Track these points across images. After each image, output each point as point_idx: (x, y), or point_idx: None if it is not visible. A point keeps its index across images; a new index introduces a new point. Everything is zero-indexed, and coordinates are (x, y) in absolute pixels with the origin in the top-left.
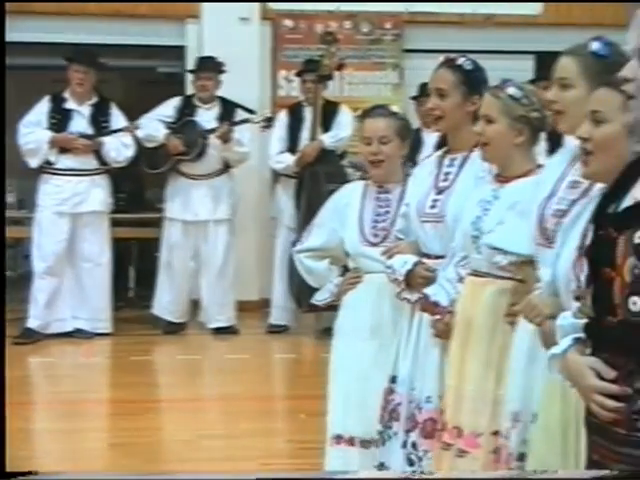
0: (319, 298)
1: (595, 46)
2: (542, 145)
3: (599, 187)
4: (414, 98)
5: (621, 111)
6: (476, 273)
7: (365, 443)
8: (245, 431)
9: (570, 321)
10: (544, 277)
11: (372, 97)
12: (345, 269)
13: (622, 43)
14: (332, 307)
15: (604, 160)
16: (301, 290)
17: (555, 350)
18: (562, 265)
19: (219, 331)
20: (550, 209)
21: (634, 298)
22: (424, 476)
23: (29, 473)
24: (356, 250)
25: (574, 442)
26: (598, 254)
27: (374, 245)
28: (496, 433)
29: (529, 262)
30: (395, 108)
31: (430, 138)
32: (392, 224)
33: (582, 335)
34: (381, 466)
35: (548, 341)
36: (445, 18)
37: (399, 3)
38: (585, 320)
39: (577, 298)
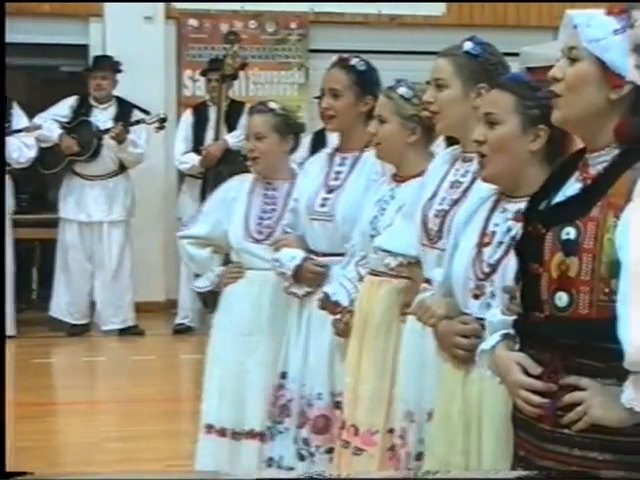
0: (199, 285)
1: (468, 46)
2: (441, 145)
3: (482, 186)
4: (318, 98)
5: (513, 112)
6: (373, 272)
7: (236, 435)
8: (151, 432)
9: (499, 317)
10: (436, 277)
11: (278, 97)
12: (227, 257)
13: (529, 43)
14: None
15: (500, 161)
16: (207, 291)
17: (484, 346)
18: (458, 264)
19: (124, 332)
20: (432, 210)
21: (560, 294)
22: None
23: (27, 473)
24: (240, 245)
25: (476, 440)
26: (526, 250)
27: (258, 242)
28: (392, 431)
29: (417, 263)
30: (274, 104)
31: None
32: (277, 221)
33: (510, 331)
34: (270, 461)
35: (444, 341)
36: (350, 18)
37: (304, 3)
38: (514, 317)
39: (476, 296)
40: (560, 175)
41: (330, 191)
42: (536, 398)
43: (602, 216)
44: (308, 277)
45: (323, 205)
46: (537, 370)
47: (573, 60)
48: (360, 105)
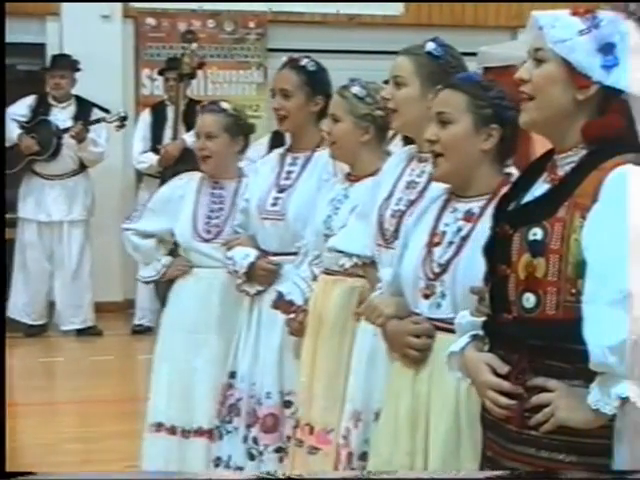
0: (144, 274)
1: (430, 46)
2: (398, 144)
3: (435, 186)
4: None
5: (466, 111)
6: (328, 271)
7: (186, 433)
8: (109, 433)
9: (468, 319)
10: (385, 277)
11: (236, 96)
12: (175, 248)
13: (487, 42)
14: None
15: (453, 160)
16: (166, 290)
17: (453, 348)
18: (408, 264)
19: (82, 332)
20: (389, 210)
21: (527, 295)
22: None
23: (28, 473)
24: (188, 244)
25: (423, 441)
26: (494, 251)
27: (206, 241)
28: None
29: (372, 263)
30: (226, 105)
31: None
32: (225, 221)
33: (480, 332)
34: (217, 460)
35: (395, 341)
36: (309, 18)
37: (262, 3)
38: (483, 318)
39: (426, 296)
40: (529, 176)
41: (281, 190)
42: (503, 399)
43: (569, 216)
44: (260, 275)
45: (274, 204)
46: (504, 369)
47: (539, 61)
48: (311, 105)
